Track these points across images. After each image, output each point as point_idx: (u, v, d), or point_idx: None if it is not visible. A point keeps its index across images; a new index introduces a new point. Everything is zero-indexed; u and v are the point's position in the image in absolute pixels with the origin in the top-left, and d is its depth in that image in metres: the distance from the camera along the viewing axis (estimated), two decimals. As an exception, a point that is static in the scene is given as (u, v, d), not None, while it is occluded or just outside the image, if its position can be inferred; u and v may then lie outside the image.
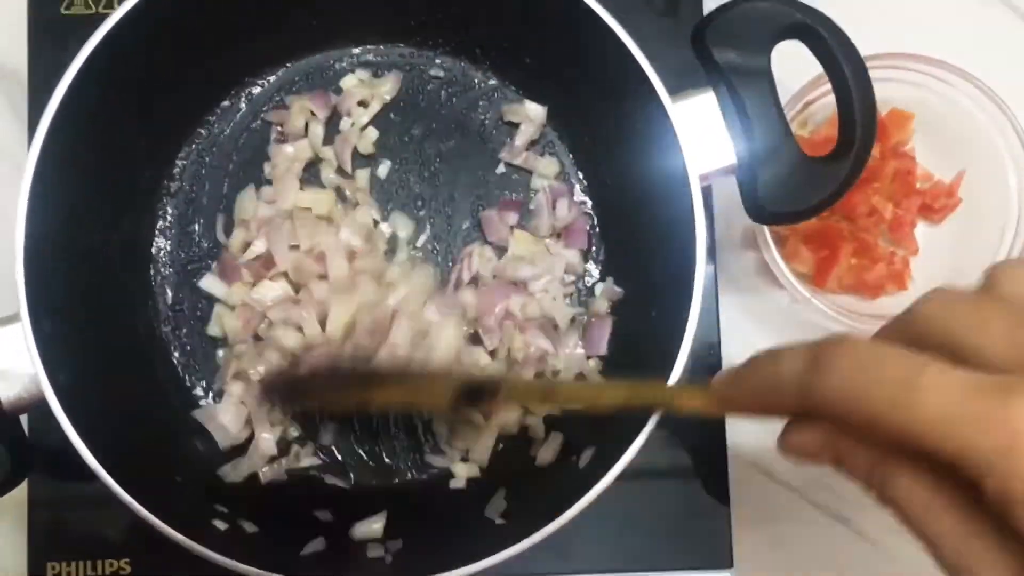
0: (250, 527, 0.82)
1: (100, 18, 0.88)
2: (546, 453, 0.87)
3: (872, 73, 0.77)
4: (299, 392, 0.83)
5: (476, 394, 0.72)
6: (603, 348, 0.90)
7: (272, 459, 0.88)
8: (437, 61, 0.95)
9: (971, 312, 0.49)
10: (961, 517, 0.46)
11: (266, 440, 0.88)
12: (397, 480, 0.90)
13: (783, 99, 0.78)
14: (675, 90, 0.78)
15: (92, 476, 0.73)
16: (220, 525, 0.81)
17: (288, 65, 0.95)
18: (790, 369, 0.50)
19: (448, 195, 0.94)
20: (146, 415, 0.87)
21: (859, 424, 0.47)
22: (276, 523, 0.85)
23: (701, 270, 0.75)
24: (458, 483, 0.89)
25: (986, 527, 0.45)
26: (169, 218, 0.93)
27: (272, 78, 0.95)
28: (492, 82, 0.95)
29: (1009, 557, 0.44)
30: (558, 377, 0.89)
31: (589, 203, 0.94)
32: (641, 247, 0.85)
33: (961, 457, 0.43)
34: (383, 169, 0.94)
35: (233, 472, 0.87)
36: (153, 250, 0.92)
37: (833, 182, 0.75)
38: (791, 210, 0.77)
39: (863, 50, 0.77)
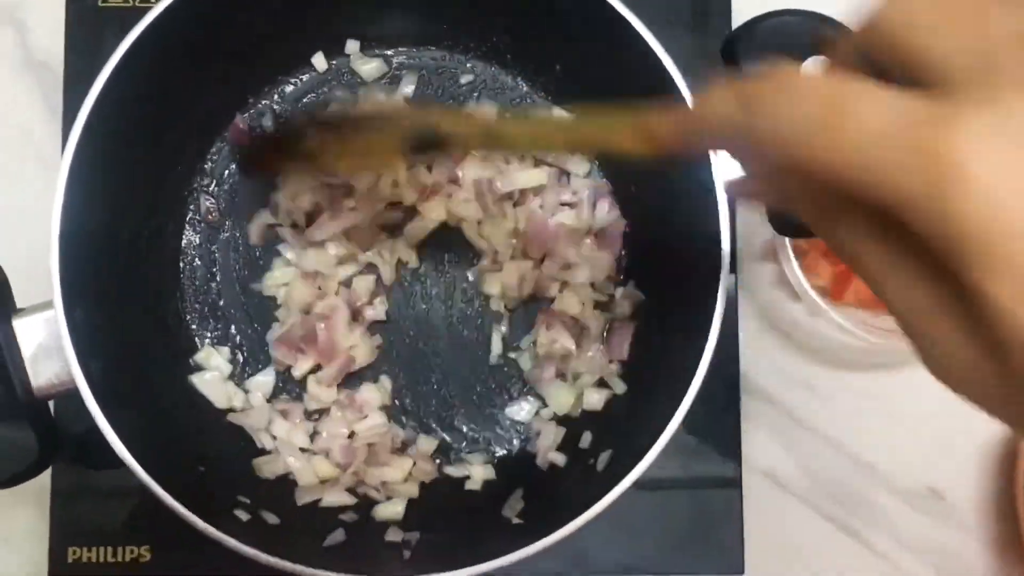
0: (272, 518, 0.83)
1: (137, 11, 0.91)
2: (557, 455, 0.89)
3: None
4: (266, 149, 0.86)
5: (424, 143, 0.72)
6: (624, 353, 0.91)
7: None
8: (468, 65, 0.96)
9: (929, 7, 0.41)
10: (901, 265, 0.41)
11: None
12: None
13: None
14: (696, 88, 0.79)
15: (115, 464, 0.74)
16: (242, 515, 0.82)
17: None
18: (721, 112, 0.44)
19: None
20: (172, 405, 0.88)
21: (789, 164, 0.41)
22: (298, 515, 0.86)
23: (724, 280, 0.76)
24: (473, 484, 0.90)
25: (925, 273, 0.40)
26: (200, 211, 0.93)
27: (305, 77, 0.95)
28: (523, 88, 0.96)
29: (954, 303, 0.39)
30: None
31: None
32: (665, 255, 0.86)
33: (886, 193, 0.37)
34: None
35: (266, 468, 0.88)
36: (183, 242, 0.93)
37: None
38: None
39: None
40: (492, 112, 0.93)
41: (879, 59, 0.42)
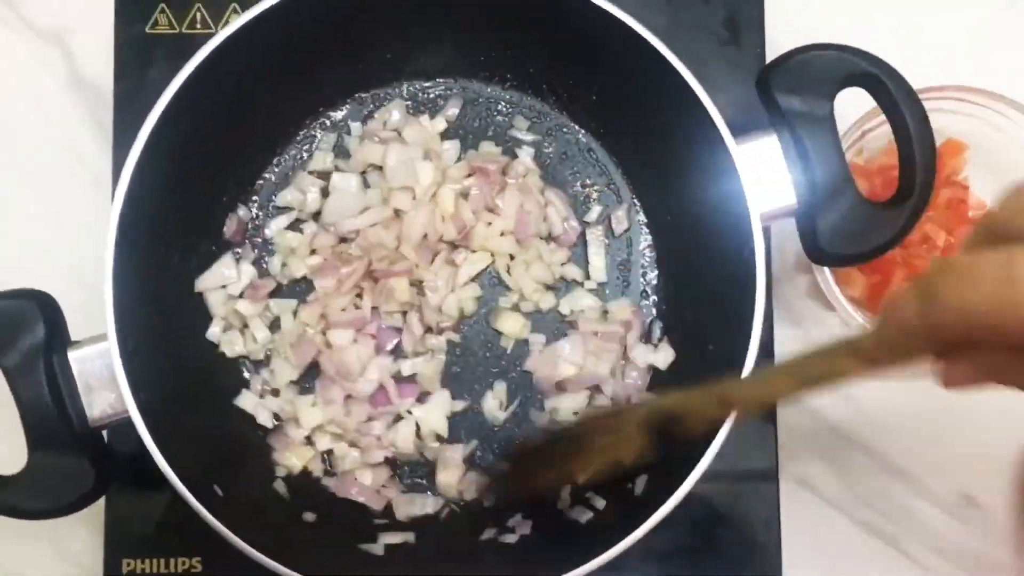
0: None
1: (184, 37, 0.92)
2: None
3: (927, 104, 0.79)
4: (515, 481, 0.86)
5: (666, 424, 0.72)
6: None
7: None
8: (506, 96, 0.97)
9: None
10: None
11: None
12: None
13: (841, 127, 0.80)
14: (736, 122, 0.80)
15: (164, 484, 0.76)
16: (309, 516, 0.86)
17: (360, 95, 0.97)
18: (910, 313, 0.50)
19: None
20: (221, 432, 0.90)
21: (987, 336, 0.47)
22: (342, 530, 0.89)
23: (760, 309, 0.77)
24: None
25: None
26: (247, 240, 0.95)
27: (345, 108, 0.97)
28: (559, 116, 0.97)
29: None
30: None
31: (650, 238, 0.96)
32: (699, 283, 0.87)
33: None
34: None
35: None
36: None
37: (892, 228, 0.78)
38: (849, 252, 0.79)
39: (919, 82, 0.79)
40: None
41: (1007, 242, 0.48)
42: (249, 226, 0.95)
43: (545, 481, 0.83)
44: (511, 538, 0.88)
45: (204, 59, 0.80)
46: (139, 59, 0.97)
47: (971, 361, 0.52)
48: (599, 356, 0.92)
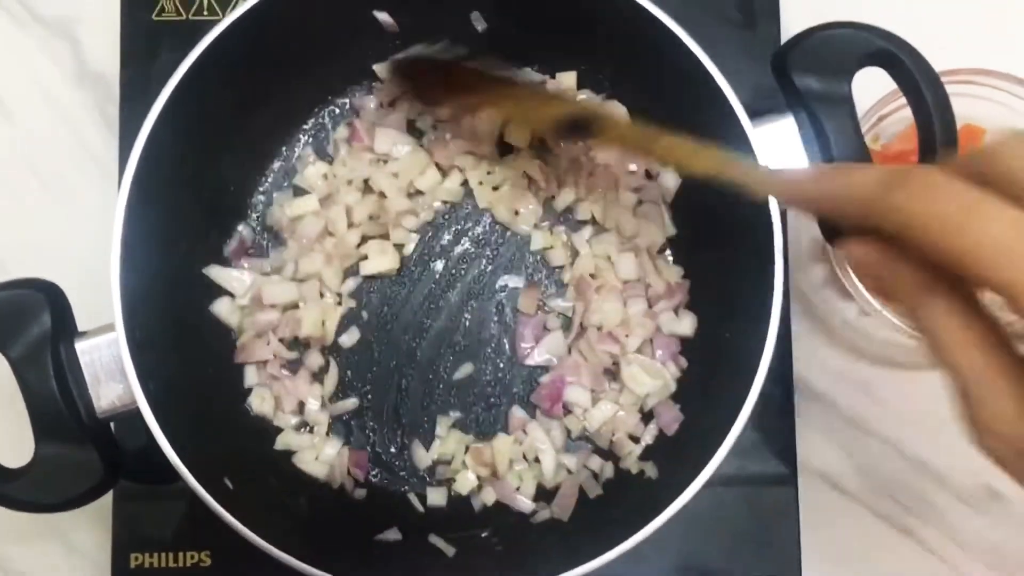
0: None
1: (191, 24, 0.91)
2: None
3: (946, 88, 0.78)
4: (425, 79, 0.87)
5: (578, 125, 0.76)
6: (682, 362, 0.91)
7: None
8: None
9: None
10: (985, 352, 0.50)
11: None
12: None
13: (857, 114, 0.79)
14: (752, 106, 0.79)
15: (173, 478, 0.75)
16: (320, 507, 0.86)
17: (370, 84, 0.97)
18: (862, 182, 0.53)
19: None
20: (230, 423, 0.89)
21: (916, 242, 0.49)
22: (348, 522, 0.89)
23: (779, 296, 0.76)
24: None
25: (1006, 363, 0.49)
26: (255, 230, 0.94)
27: (356, 94, 0.96)
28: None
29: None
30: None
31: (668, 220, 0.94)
32: (717, 270, 0.86)
33: (1005, 289, 0.46)
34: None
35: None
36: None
37: (911, 210, 0.76)
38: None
39: (936, 65, 0.78)
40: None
41: (986, 184, 0.49)
42: (249, 245, 0.94)
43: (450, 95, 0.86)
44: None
45: (210, 44, 0.79)
46: (146, 48, 0.96)
47: (872, 249, 0.55)
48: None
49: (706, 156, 0.68)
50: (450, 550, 0.87)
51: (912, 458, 0.98)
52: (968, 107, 0.94)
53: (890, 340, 0.96)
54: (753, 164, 0.63)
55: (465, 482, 0.90)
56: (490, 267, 0.94)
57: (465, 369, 0.93)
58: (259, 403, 0.91)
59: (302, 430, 0.92)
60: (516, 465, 0.90)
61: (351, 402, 0.92)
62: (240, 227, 0.93)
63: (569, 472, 0.90)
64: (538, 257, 0.94)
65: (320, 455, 0.90)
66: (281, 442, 0.91)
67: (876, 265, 0.55)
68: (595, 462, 0.90)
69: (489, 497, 0.90)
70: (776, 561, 0.92)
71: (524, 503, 0.89)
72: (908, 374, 0.98)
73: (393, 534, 0.87)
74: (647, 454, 0.89)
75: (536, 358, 0.92)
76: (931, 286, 0.51)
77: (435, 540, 0.87)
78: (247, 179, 0.94)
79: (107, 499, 0.91)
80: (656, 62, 0.83)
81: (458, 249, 0.94)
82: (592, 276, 0.92)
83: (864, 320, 0.97)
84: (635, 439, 0.90)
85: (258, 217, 0.94)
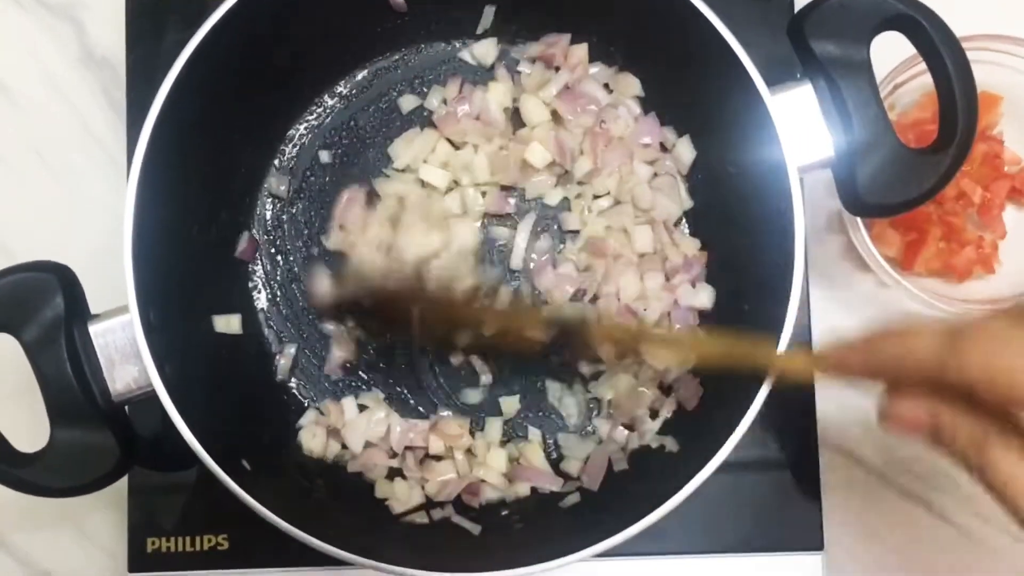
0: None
1: (197, 5, 0.90)
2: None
3: (966, 53, 0.77)
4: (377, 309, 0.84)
5: (569, 330, 0.75)
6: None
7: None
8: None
9: None
10: None
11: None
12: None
13: (872, 83, 0.78)
14: (769, 77, 0.78)
15: (187, 464, 0.75)
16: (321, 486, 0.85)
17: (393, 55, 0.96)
18: (926, 345, 0.54)
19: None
20: (249, 406, 0.88)
21: (985, 394, 0.51)
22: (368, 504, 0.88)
23: (800, 268, 0.75)
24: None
25: None
26: (268, 211, 0.94)
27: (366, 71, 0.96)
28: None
29: None
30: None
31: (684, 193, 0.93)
32: (736, 240, 0.85)
33: None
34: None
35: (352, 462, 0.90)
36: (248, 245, 0.93)
37: (933, 174, 0.75)
38: (890, 202, 0.77)
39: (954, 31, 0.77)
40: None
41: None
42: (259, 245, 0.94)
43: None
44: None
45: (216, 23, 0.78)
46: (151, 29, 0.95)
47: (926, 407, 0.56)
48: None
49: (709, 344, 0.70)
50: (476, 528, 0.86)
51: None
52: (984, 74, 0.92)
53: (910, 310, 0.95)
54: (795, 351, 0.65)
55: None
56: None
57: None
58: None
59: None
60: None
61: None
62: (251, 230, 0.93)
63: (600, 442, 0.90)
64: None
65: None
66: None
67: (933, 421, 0.56)
68: (621, 433, 0.90)
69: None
70: (798, 537, 0.91)
71: (551, 480, 0.89)
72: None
73: (420, 517, 0.87)
74: (666, 428, 0.88)
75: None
76: (991, 432, 0.53)
77: (459, 520, 0.87)
78: (258, 159, 0.93)
79: (121, 485, 0.91)
80: (671, 31, 0.82)
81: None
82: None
83: (882, 291, 0.96)
84: (655, 414, 0.89)
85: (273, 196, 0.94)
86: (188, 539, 0.91)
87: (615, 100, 0.93)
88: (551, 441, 0.91)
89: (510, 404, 0.91)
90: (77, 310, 0.76)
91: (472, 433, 0.91)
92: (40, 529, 0.96)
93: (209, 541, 0.91)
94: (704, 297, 0.89)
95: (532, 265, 0.92)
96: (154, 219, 0.77)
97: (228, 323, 0.90)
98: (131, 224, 0.75)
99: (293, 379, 0.92)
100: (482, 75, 0.95)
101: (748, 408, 0.74)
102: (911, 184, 0.76)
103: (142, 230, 0.76)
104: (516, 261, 0.92)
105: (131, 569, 0.91)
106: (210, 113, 0.83)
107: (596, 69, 0.94)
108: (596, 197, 0.92)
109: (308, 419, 0.91)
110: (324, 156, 0.94)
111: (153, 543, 0.91)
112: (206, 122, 0.83)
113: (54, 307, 0.74)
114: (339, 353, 0.91)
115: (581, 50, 0.93)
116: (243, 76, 0.85)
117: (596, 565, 0.89)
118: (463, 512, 0.87)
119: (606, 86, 0.93)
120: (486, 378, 0.92)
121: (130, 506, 0.92)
